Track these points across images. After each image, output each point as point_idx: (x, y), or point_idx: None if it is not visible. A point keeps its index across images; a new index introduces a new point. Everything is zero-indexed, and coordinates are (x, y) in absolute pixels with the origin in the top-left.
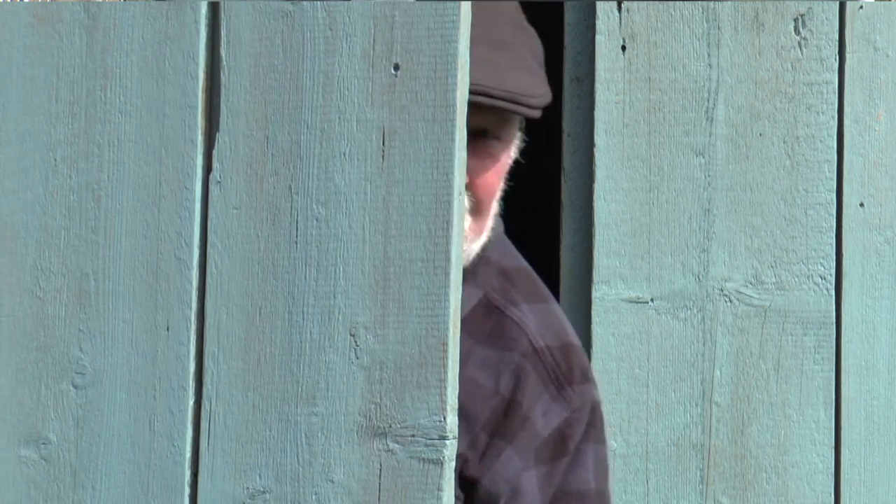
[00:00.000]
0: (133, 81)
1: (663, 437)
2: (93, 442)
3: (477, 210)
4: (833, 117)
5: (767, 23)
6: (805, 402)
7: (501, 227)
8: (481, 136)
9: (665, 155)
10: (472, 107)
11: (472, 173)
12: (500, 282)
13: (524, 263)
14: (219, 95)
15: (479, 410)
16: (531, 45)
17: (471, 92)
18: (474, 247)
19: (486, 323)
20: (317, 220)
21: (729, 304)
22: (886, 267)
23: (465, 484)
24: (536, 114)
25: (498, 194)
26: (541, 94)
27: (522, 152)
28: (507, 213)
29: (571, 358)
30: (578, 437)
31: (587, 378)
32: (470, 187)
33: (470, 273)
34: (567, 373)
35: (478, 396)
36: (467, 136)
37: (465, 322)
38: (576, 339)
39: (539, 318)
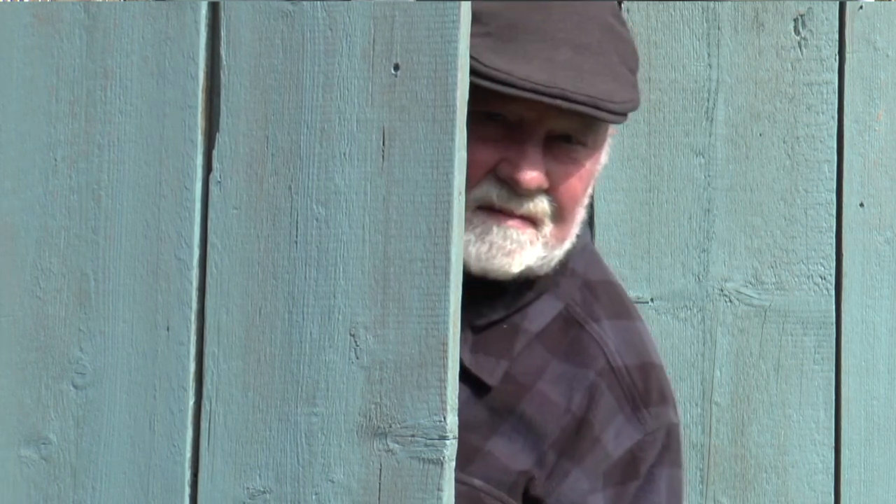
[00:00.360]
0: (133, 81)
1: None
2: (93, 442)
3: (559, 216)
4: (833, 117)
5: (767, 23)
6: (805, 402)
7: (588, 237)
8: (565, 141)
9: (665, 155)
10: (553, 111)
11: (555, 178)
12: (583, 295)
13: (612, 277)
14: (219, 95)
15: (550, 427)
16: (621, 49)
17: (549, 95)
18: (556, 253)
19: (563, 337)
20: (317, 220)
21: (729, 304)
22: (886, 267)
23: (531, 503)
24: (619, 119)
25: (583, 201)
26: (625, 99)
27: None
28: None
29: (650, 378)
30: (651, 461)
31: (665, 399)
32: (552, 192)
33: (552, 283)
34: (644, 393)
35: (549, 413)
36: (549, 141)
37: (543, 334)
38: (657, 359)
39: (620, 335)
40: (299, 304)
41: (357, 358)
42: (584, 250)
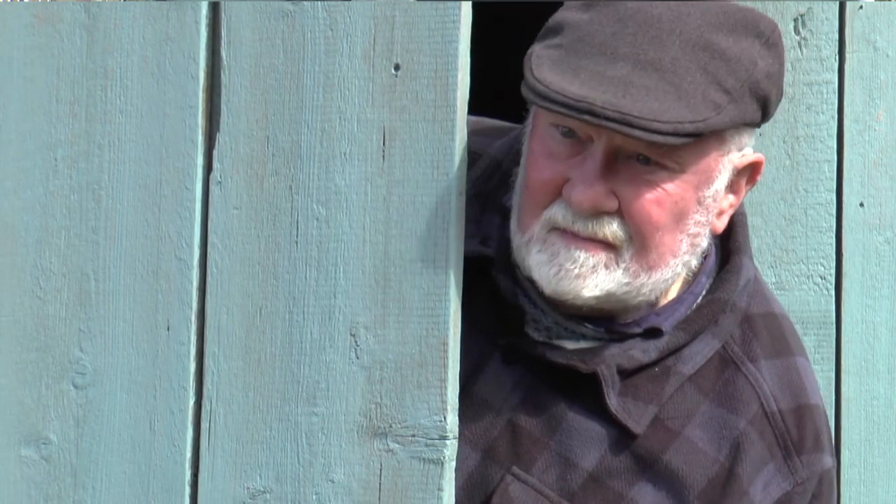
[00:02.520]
0: (133, 81)
1: None
2: (93, 442)
3: (637, 241)
4: (833, 117)
5: None
6: None
7: (752, 270)
8: (642, 163)
9: None
10: (615, 129)
11: (625, 200)
12: (743, 331)
13: (777, 309)
14: (219, 95)
15: (696, 478)
16: (715, 67)
17: (577, 109)
18: (644, 281)
19: (718, 378)
20: (317, 220)
21: None
22: (886, 267)
23: None
24: (668, 140)
25: (670, 227)
26: (682, 119)
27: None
28: None
29: (805, 422)
30: None
31: (819, 445)
32: (624, 215)
33: (711, 322)
34: (798, 441)
35: (696, 463)
36: (623, 161)
37: (697, 376)
38: (815, 398)
39: (777, 375)
40: (300, 304)
41: (357, 358)
42: (748, 283)
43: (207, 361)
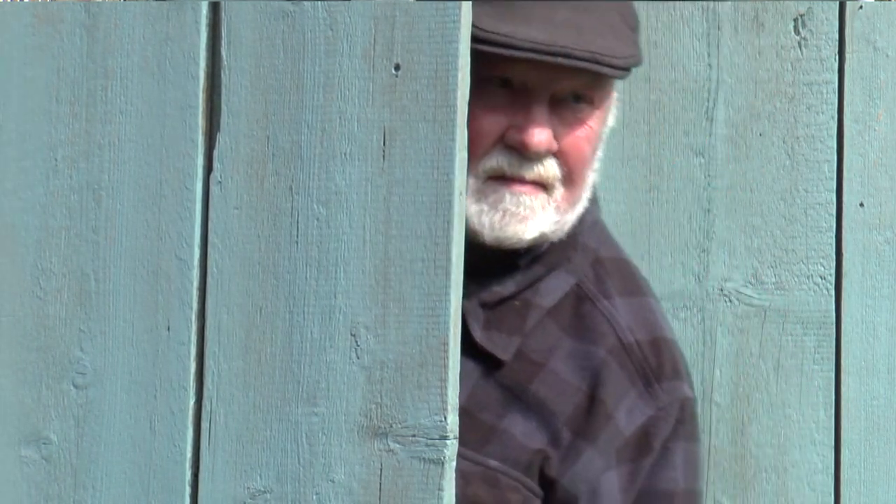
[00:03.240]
0: (134, 82)
1: None
2: (93, 442)
3: (569, 179)
4: (833, 117)
5: (767, 23)
6: (805, 402)
7: (599, 214)
8: (571, 101)
9: (665, 155)
10: (557, 71)
11: (562, 140)
12: (596, 271)
13: (623, 254)
14: (219, 96)
15: (562, 405)
16: (621, 8)
17: (551, 54)
18: (568, 218)
19: (575, 314)
20: (317, 220)
21: (729, 304)
22: (886, 267)
23: (545, 483)
24: (623, 74)
25: (591, 163)
26: (626, 55)
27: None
28: None
29: (662, 353)
30: (665, 435)
31: (678, 374)
32: (560, 155)
33: (564, 258)
34: (656, 369)
35: (561, 392)
36: (554, 103)
37: (555, 311)
38: (670, 333)
39: (632, 311)
40: (300, 304)
41: (358, 358)
42: (594, 225)
43: (208, 361)
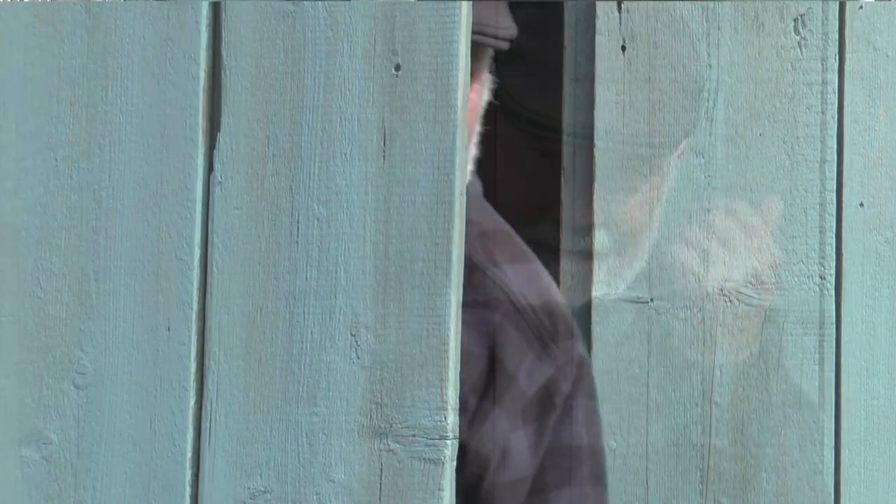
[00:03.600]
0: (134, 82)
1: (663, 437)
2: (94, 442)
3: None
4: (833, 117)
5: (767, 23)
6: (805, 402)
7: (481, 189)
8: None
9: (665, 155)
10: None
11: None
12: (483, 243)
13: (506, 226)
14: (220, 96)
15: (468, 373)
16: None
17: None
18: None
19: (468, 284)
20: (318, 220)
21: (729, 304)
22: (886, 267)
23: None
24: (503, 45)
25: (473, 137)
26: (506, 25)
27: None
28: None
29: (556, 315)
30: (566, 393)
31: (572, 334)
32: None
33: None
34: (551, 330)
35: (464, 361)
36: None
37: None
38: (559, 297)
39: (521, 277)
40: (300, 304)
41: (358, 358)
42: (476, 199)
43: (208, 361)
